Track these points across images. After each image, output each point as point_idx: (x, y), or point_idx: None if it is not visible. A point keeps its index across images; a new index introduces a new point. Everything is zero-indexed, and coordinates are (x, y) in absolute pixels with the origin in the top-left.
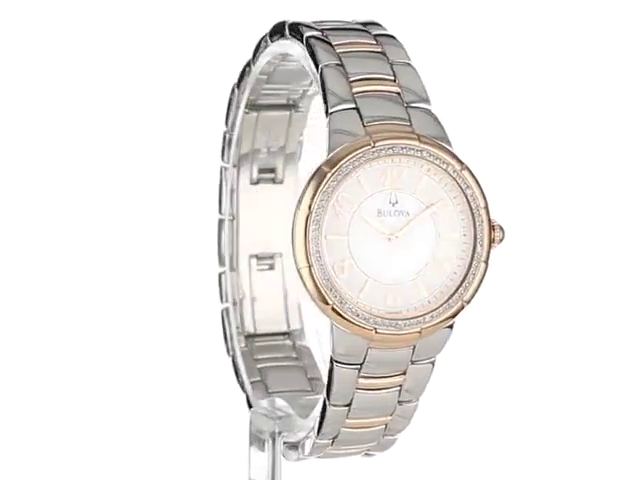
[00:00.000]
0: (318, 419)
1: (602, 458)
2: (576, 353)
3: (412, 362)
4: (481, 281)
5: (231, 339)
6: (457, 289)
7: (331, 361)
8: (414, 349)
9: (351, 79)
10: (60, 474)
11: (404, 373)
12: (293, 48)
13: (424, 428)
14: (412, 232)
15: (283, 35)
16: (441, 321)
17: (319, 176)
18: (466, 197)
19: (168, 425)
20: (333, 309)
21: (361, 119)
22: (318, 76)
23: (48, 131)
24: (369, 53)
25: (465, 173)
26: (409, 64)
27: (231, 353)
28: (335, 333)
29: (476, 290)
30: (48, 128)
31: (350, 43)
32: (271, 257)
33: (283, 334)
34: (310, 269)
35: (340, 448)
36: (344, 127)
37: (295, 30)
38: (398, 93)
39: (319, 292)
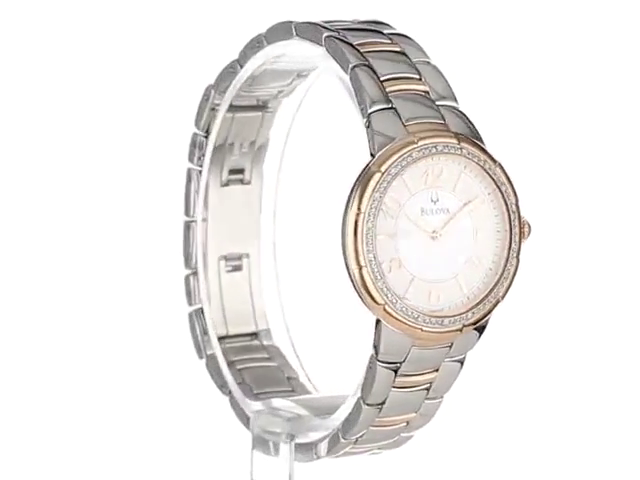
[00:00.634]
0: (346, 419)
1: (603, 459)
2: (582, 352)
3: (446, 360)
4: (514, 277)
5: (204, 341)
6: (494, 286)
7: (372, 361)
8: (450, 347)
9: (381, 79)
10: None
11: (437, 370)
12: (299, 48)
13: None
14: (453, 230)
15: (285, 36)
16: (480, 318)
17: (369, 177)
18: (501, 193)
19: (129, 430)
20: (384, 309)
21: (400, 119)
22: (348, 77)
23: (14, 133)
24: (391, 53)
25: (499, 170)
26: (429, 62)
27: (205, 355)
28: (383, 333)
29: (509, 286)
30: (15, 130)
31: (370, 43)
32: (239, 258)
33: (251, 335)
34: (362, 270)
35: (359, 447)
36: (386, 127)
37: (307, 30)
38: (427, 92)
39: (370, 292)
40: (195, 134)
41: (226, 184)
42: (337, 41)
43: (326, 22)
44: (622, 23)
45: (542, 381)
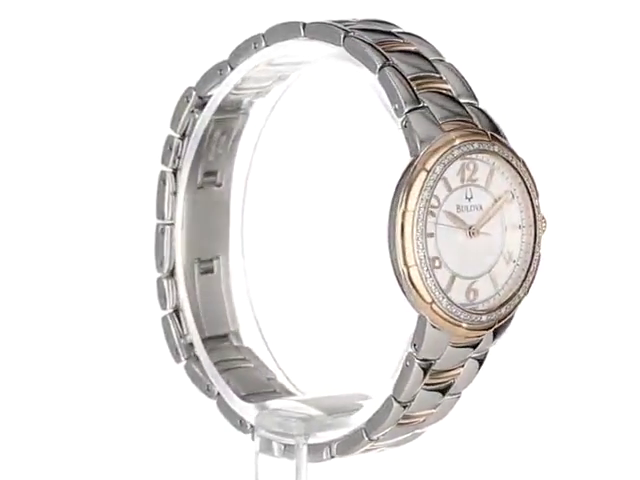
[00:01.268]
0: (373, 418)
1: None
2: (583, 352)
3: (472, 356)
4: (537, 272)
5: (182, 344)
6: (523, 281)
7: (410, 359)
8: (479, 343)
9: (408, 78)
10: None
11: (462, 367)
12: (305, 49)
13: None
14: (486, 226)
15: (290, 36)
16: (511, 312)
17: (415, 176)
18: (526, 188)
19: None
20: (431, 307)
21: (434, 118)
22: (375, 77)
23: None
24: (409, 52)
25: (522, 165)
26: (443, 61)
27: (184, 358)
28: (427, 331)
29: (533, 281)
30: None
31: (388, 42)
32: (210, 260)
33: (223, 336)
34: (410, 269)
35: (376, 445)
36: (424, 127)
37: (319, 30)
38: (449, 90)
39: (419, 291)
40: (171, 136)
41: (201, 186)
42: (358, 41)
43: (336, 21)
44: (626, 22)
45: (542, 380)
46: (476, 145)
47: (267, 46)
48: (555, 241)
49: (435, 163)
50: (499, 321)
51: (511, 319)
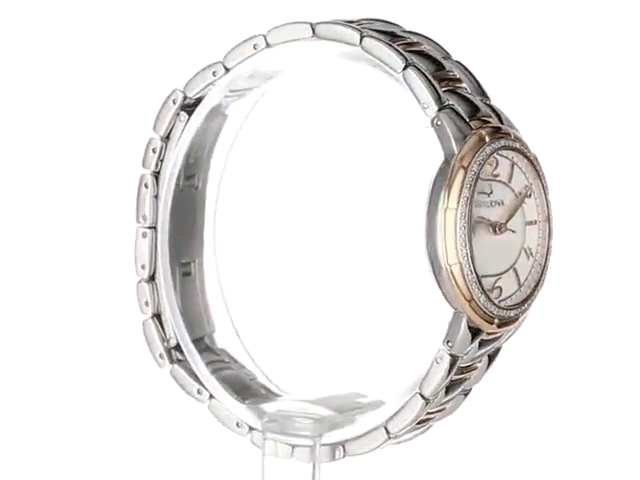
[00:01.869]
0: (396, 414)
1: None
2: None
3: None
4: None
5: (166, 348)
6: (541, 276)
7: (442, 355)
8: (498, 339)
9: (429, 77)
10: None
11: (480, 362)
12: (312, 49)
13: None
14: (511, 222)
15: (295, 37)
16: (530, 307)
17: (455, 174)
18: (542, 184)
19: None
20: (470, 304)
21: (464, 116)
22: (400, 76)
23: None
24: (420, 52)
25: (537, 161)
26: (450, 58)
27: (170, 362)
28: (463, 327)
29: (546, 276)
30: None
31: (402, 42)
32: (188, 263)
33: (200, 339)
34: (453, 267)
35: (394, 442)
36: (456, 125)
37: (330, 30)
38: (465, 88)
39: (461, 289)
40: (154, 139)
41: (182, 190)
42: (376, 41)
43: (346, 21)
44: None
45: (540, 380)
46: (502, 142)
47: (267, 48)
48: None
49: (472, 161)
50: (523, 316)
51: (527, 314)
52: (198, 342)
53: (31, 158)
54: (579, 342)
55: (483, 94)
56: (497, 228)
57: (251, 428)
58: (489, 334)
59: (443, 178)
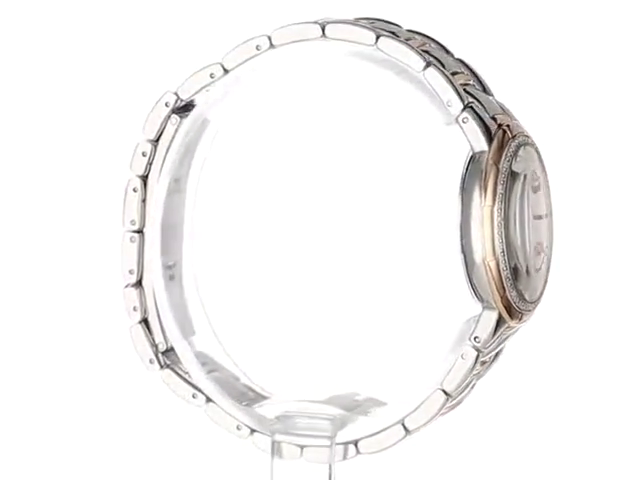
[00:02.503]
0: (417, 411)
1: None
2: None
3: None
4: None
5: (156, 352)
6: (548, 269)
7: (468, 351)
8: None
9: (449, 76)
10: None
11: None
12: (320, 49)
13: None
14: (526, 216)
15: (303, 37)
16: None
17: (489, 170)
18: (546, 177)
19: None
20: (505, 299)
21: (487, 113)
22: (421, 74)
23: None
24: (428, 52)
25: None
26: (452, 56)
27: (160, 368)
28: (493, 324)
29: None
30: None
31: (415, 41)
32: (172, 267)
33: (190, 342)
34: (493, 261)
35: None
36: (483, 121)
37: (342, 30)
38: (474, 85)
39: (496, 284)
40: (144, 142)
41: (169, 193)
42: (393, 40)
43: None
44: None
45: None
46: (522, 138)
47: (271, 48)
48: None
49: (501, 157)
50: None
51: None
52: (191, 345)
53: (16, 159)
54: (576, 337)
55: (486, 91)
56: (527, 222)
57: (253, 430)
58: (507, 329)
59: (476, 175)
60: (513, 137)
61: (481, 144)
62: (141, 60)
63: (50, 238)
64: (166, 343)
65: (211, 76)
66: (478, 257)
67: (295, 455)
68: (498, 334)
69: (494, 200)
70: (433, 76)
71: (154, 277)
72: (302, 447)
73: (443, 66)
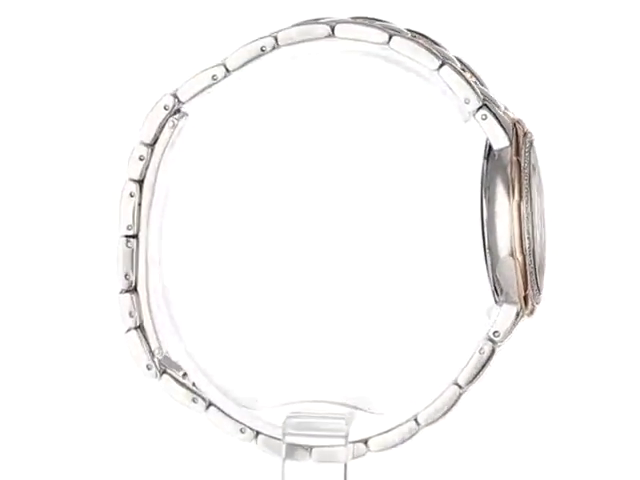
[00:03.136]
0: (431, 407)
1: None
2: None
3: None
4: None
5: (154, 359)
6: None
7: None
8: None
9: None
10: None
11: None
12: (328, 49)
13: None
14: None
15: (311, 37)
16: None
17: (515, 165)
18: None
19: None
20: (524, 296)
21: (502, 110)
22: (436, 73)
23: None
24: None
25: None
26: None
27: (160, 374)
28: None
29: None
30: None
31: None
32: None
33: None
34: (520, 258)
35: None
36: (502, 118)
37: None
38: (477, 82)
39: (523, 279)
40: (141, 146)
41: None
42: (406, 39)
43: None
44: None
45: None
46: (530, 133)
47: (277, 49)
48: None
49: (521, 152)
50: None
51: None
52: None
53: (13, 160)
54: (575, 336)
55: (485, 86)
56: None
57: (258, 433)
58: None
59: (497, 171)
60: (525, 133)
61: (502, 140)
62: (140, 61)
63: (46, 241)
64: (162, 349)
65: (213, 78)
66: (503, 252)
67: (304, 456)
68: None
69: (521, 196)
70: (449, 74)
71: (147, 282)
72: (314, 447)
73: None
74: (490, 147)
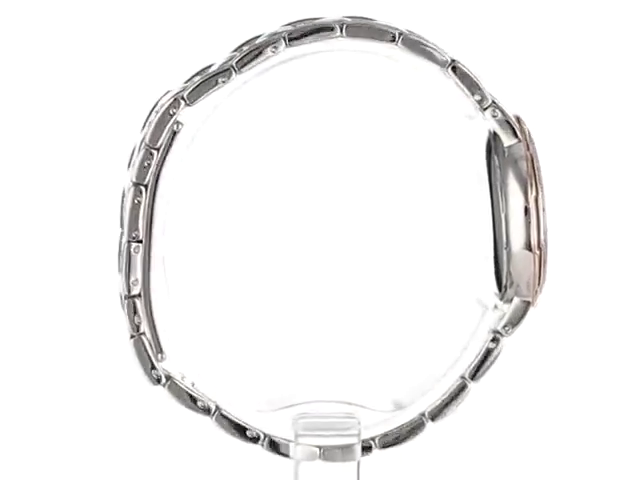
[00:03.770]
0: (443, 403)
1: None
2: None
3: None
4: None
5: (162, 366)
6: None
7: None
8: None
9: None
10: None
11: None
12: (337, 47)
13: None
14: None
15: (320, 37)
16: None
17: (531, 161)
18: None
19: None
20: (536, 289)
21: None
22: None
23: None
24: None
25: None
26: None
27: (166, 379)
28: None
29: None
30: None
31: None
32: None
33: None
34: (540, 252)
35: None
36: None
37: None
38: None
39: (538, 274)
40: (149, 151)
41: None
42: (417, 38)
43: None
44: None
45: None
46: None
47: (286, 48)
48: None
49: (530, 147)
50: None
51: None
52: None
53: (13, 161)
54: (573, 335)
55: None
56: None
57: (266, 435)
58: None
59: (511, 166)
60: (527, 128)
61: (515, 135)
62: (140, 61)
63: (45, 244)
64: (164, 354)
65: (222, 80)
66: (518, 246)
67: (314, 456)
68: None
69: (537, 190)
70: (460, 72)
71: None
72: (327, 447)
73: None
74: (490, 143)
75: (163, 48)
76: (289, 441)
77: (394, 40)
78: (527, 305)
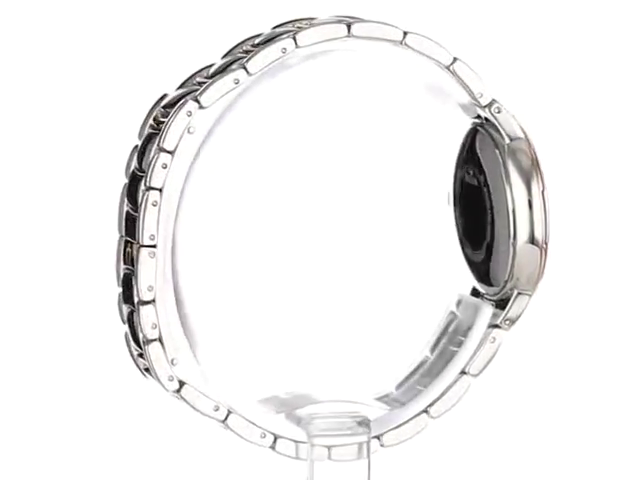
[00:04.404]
0: (442, 398)
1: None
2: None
3: None
4: None
5: (175, 372)
6: None
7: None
8: None
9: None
10: None
11: None
12: (343, 47)
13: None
14: None
15: (328, 37)
16: None
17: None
18: None
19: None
20: (539, 282)
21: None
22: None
23: None
24: None
25: None
26: None
27: (179, 385)
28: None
29: None
30: None
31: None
32: None
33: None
34: (546, 247)
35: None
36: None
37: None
38: None
39: (543, 266)
40: (165, 155)
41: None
42: (421, 36)
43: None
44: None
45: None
46: None
47: (296, 49)
48: None
49: (530, 143)
50: None
51: None
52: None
53: (13, 161)
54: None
55: None
56: None
57: (277, 437)
58: None
59: (514, 161)
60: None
61: (517, 132)
62: (140, 60)
63: (45, 244)
64: (177, 359)
65: (235, 82)
66: (522, 240)
67: (324, 456)
68: None
69: (543, 184)
70: (462, 69)
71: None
72: (339, 446)
73: None
74: (490, 139)
75: (163, 48)
76: (297, 442)
77: (402, 38)
78: (527, 299)
